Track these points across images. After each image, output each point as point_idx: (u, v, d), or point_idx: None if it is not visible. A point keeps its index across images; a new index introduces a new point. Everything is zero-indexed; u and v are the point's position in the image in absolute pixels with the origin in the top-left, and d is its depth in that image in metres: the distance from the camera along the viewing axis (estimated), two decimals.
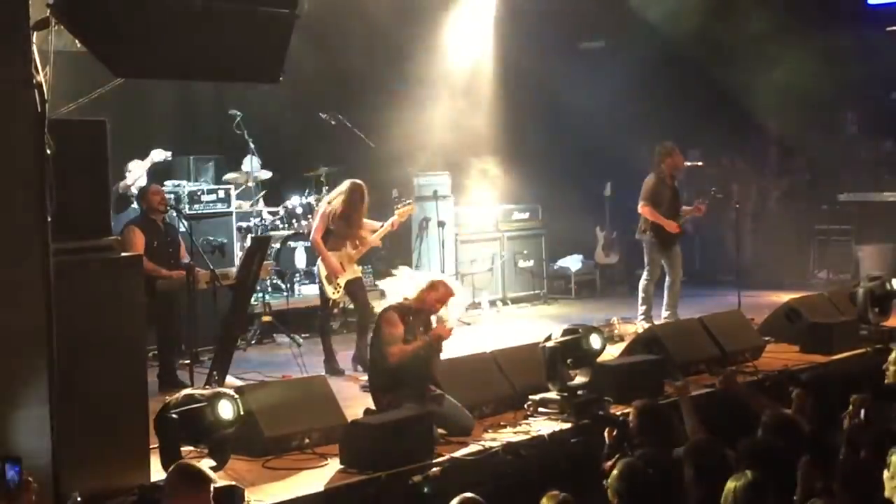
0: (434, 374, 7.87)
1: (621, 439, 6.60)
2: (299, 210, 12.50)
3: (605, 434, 6.73)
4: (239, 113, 12.48)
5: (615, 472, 5.46)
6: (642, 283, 11.61)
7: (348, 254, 10.07)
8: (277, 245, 12.23)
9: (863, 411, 6.46)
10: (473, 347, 9.50)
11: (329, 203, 10.22)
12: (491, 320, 13.18)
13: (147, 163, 11.34)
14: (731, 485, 5.01)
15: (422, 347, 7.63)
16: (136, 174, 11.21)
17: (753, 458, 5.63)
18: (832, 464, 5.61)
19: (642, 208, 11.47)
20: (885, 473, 4.91)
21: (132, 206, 10.88)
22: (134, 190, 10.97)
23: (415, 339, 7.66)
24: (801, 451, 5.79)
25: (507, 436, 7.64)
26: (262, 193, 12.75)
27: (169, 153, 11.67)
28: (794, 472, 5.60)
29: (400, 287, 7.92)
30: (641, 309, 11.54)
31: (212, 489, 5.23)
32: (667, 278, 11.55)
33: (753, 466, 5.44)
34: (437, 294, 7.81)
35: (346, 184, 10.24)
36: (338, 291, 9.99)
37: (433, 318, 7.90)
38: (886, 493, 4.91)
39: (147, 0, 6.29)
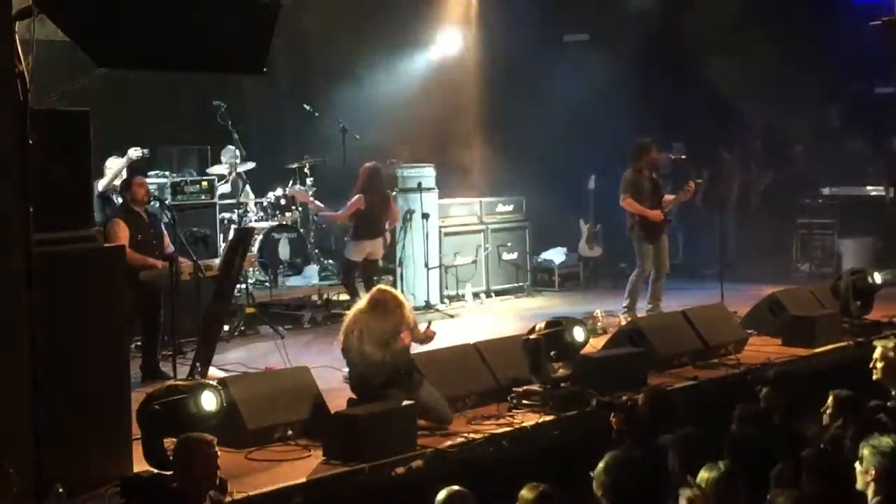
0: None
1: (628, 423, 6.60)
2: (283, 201, 12.48)
3: (612, 420, 6.74)
4: (223, 104, 12.44)
5: (601, 464, 5.47)
6: (632, 277, 11.64)
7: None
8: (261, 236, 12.21)
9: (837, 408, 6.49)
10: (457, 339, 9.50)
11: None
12: (474, 312, 13.18)
13: (125, 161, 11.27)
14: (703, 475, 5.03)
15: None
16: (115, 172, 11.08)
17: (735, 450, 5.67)
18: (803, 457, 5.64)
19: (623, 202, 11.49)
20: (858, 466, 4.93)
21: (113, 203, 10.80)
22: (117, 183, 10.88)
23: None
24: (777, 444, 5.83)
25: (490, 428, 7.65)
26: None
27: (146, 150, 11.63)
28: (767, 464, 5.64)
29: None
30: (626, 301, 11.56)
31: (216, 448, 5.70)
32: (653, 271, 11.57)
33: (735, 458, 5.47)
34: (392, 313, 7.60)
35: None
36: None
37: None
38: (858, 486, 4.93)
39: None
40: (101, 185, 10.80)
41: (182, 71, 11.53)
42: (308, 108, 12.95)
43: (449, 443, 7.30)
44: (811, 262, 15.37)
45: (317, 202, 12.09)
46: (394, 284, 12.21)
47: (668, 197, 11.76)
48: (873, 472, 4.84)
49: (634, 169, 11.54)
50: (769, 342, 10.41)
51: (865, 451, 4.89)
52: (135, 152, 11.15)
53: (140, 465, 6.34)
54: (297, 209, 12.69)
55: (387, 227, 11.67)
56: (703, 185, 12.07)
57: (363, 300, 7.87)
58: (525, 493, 5.16)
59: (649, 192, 11.51)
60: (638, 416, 6.62)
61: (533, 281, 14.68)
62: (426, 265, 13.15)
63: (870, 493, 4.88)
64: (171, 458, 5.91)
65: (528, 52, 14.95)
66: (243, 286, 11.38)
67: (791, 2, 14.64)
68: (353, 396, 7.65)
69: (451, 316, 12.68)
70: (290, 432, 7.40)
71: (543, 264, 14.95)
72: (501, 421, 7.81)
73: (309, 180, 12.87)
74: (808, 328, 10.26)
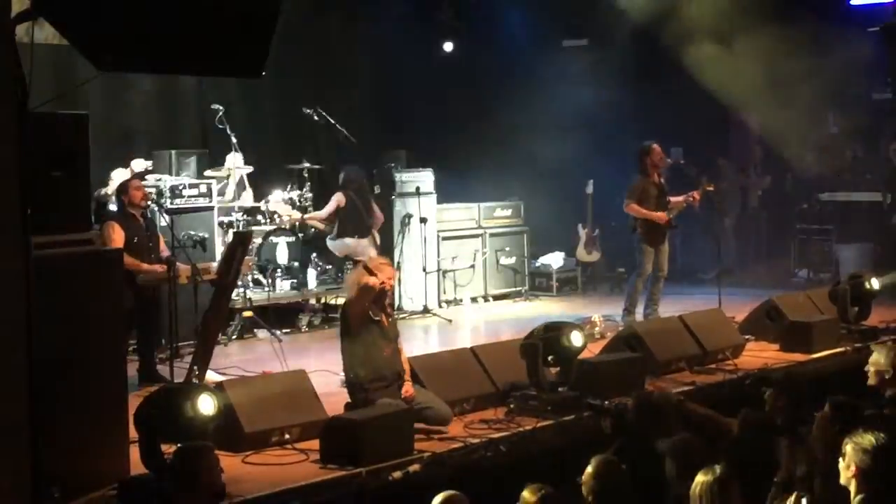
0: (404, 365, 7.84)
1: (618, 427, 6.60)
2: (281, 206, 12.47)
3: (602, 423, 6.73)
4: (221, 107, 12.44)
5: (589, 469, 5.47)
6: (632, 278, 11.67)
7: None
8: (259, 240, 12.20)
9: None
10: (454, 344, 9.50)
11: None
12: (472, 317, 13.19)
13: (128, 173, 11.28)
14: (700, 478, 5.03)
15: None
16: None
17: (732, 455, 5.67)
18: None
19: (627, 207, 11.48)
20: (840, 462, 4.94)
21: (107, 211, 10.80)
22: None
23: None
24: (775, 448, 5.83)
25: (488, 432, 7.64)
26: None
27: (150, 163, 11.66)
28: (769, 469, 5.63)
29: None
30: (626, 304, 11.58)
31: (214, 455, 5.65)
32: (651, 275, 11.59)
33: (735, 463, 5.47)
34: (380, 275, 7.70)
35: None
36: None
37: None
38: (842, 481, 4.94)
39: None
40: (101, 194, 10.82)
41: (180, 74, 11.57)
42: (307, 112, 12.91)
43: (447, 447, 7.30)
44: (809, 267, 15.38)
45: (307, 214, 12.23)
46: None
47: (676, 199, 11.73)
48: (854, 468, 4.85)
49: (642, 174, 11.55)
50: (767, 348, 10.42)
51: (848, 448, 4.90)
52: (139, 164, 11.17)
53: (137, 468, 6.33)
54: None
55: (372, 227, 11.79)
56: (712, 193, 12.01)
57: None
58: (527, 494, 5.14)
59: (655, 196, 11.51)
60: (628, 420, 6.62)
61: (531, 285, 14.69)
62: (424, 269, 13.16)
63: (852, 489, 4.89)
64: (170, 466, 5.84)
65: (527, 56, 14.96)
66: (241, 289, 11.38)
67: (789, 6, 14.65)
68: (351, 401, 7.65)
69: (449, 320, 12.67)
70: (287, 436, 7.39)
71: (541, 269, 14.96)
72: (499, 425, 7.81)
73: (307, 185, 12.86)
74: (806, 334, 10.27)
